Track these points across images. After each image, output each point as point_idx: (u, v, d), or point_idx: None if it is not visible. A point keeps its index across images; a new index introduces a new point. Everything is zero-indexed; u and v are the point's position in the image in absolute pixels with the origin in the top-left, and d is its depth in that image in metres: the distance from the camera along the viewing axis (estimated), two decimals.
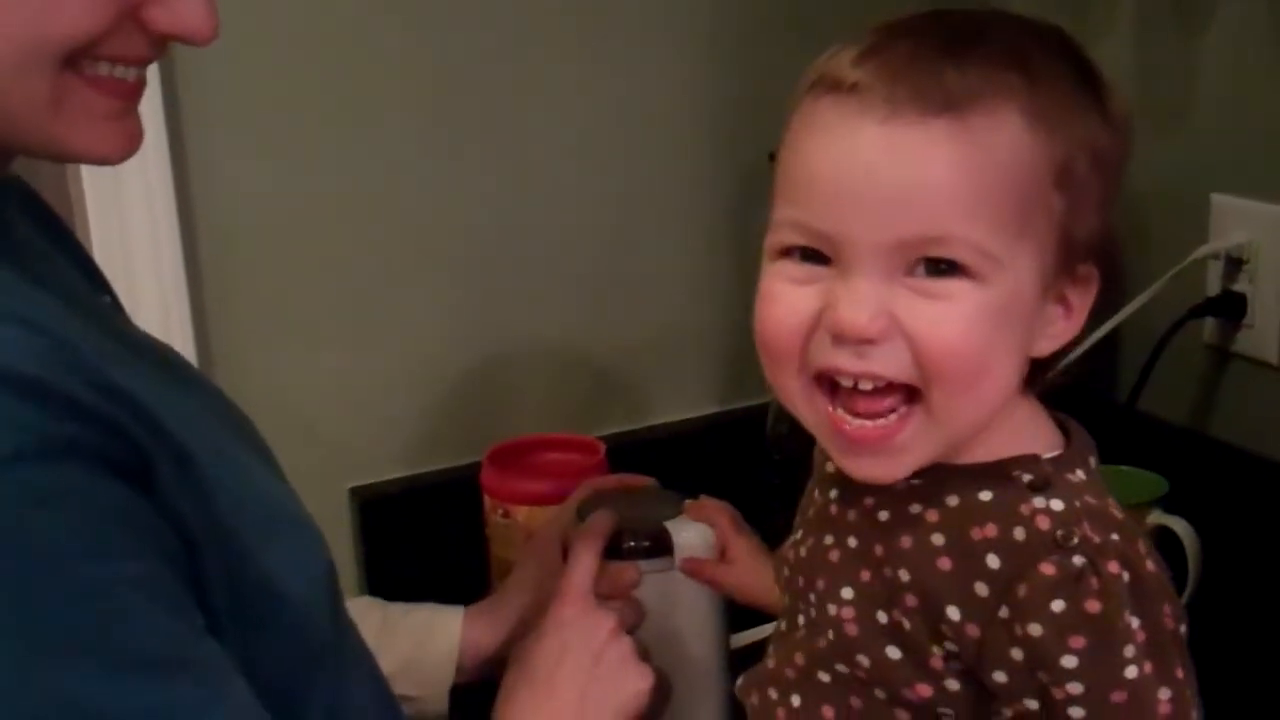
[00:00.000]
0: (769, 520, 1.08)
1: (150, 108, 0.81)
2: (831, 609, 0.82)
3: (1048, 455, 0.78)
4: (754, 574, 1.07)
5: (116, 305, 0.94)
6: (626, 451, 1.43)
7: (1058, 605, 0.72)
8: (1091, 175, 0.76)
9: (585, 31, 1.48)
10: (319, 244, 1.41)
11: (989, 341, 0.75)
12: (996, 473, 0.77)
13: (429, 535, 1.44)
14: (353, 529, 1.46)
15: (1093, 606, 0.72)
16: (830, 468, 0.84)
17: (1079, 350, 1.37)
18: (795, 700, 0.84)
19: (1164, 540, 1.30)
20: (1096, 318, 1.37)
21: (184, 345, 1.33)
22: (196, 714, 0.69)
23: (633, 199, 1.54)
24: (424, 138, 1.43)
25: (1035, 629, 0.73)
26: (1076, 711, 0.74)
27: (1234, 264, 1.40)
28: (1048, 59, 0.76)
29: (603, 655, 1.01)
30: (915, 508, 0.79)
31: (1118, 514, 0.77)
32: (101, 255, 1.28)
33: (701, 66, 1.54)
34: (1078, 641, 0.72)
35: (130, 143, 0.78)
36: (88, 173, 1.29)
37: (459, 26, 1.41)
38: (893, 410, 0.76)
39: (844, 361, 0.75)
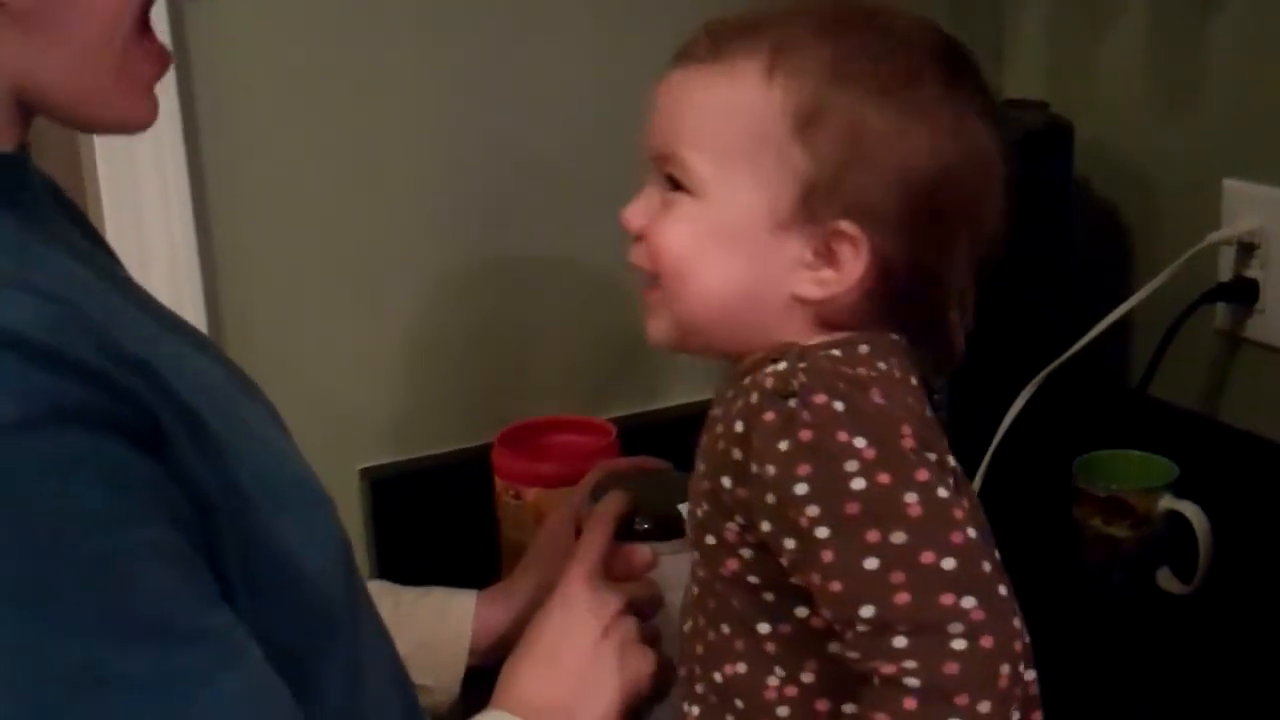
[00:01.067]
0: None
1: (163, 79, 0.85)
2: (690, 520, 0.92)
3: (810, 342, 0.87)
4: None
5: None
6: (638, 433, 1.43)
7: (783, 444, 0.81)
8: (858, 145, 0.84)
9: (598, 20, 1.48)
10: (334, 226, 1.41)
11: (695, 249, 0.88)
12: (760, 362, 0.87)
13: (440, 517, 1.45)
14: (363, 510, 1.47)
15: (805, 435, 0.81)
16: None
17: (1090, 335, 1.40)
18: (688, 623, 0.93)
19: (1175, 524, 1.32)
20: (1107, 302, 1.41)
21: (195, 324, 1.32)
22: (208, 680, 0.70)
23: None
24: (443, 115, 1.43)
25: (770, 469, 0.81)
26: (822, 532, 0.80)
27: (1246, 249, 1.41)
28: (851, 43, 0.86)
29: (606, 635, 1.01)
30: (716, 410, 0.89)
31: (851, 372, 0.84)
32: (114, 232, 1.28)
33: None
34: (803, 469, 0.80)
35: (156, 113, 0.81)
36: (101, 150, 1.29)
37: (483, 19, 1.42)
38: (651, 289, 0.91)
39: (631, 251, 0.92)
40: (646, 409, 1.58)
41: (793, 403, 0.82)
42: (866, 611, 0.80)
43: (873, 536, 0.80)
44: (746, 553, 0.87)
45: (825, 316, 0.88)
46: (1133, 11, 1.49)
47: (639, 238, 0.91)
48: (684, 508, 1.07)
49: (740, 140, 0.87)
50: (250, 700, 0.72)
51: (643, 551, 1.08)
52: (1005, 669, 0.79)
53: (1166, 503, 1.33)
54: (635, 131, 1.50)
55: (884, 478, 0.80)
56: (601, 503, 1.09)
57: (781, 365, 0.85)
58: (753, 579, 0.87)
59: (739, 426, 0.84)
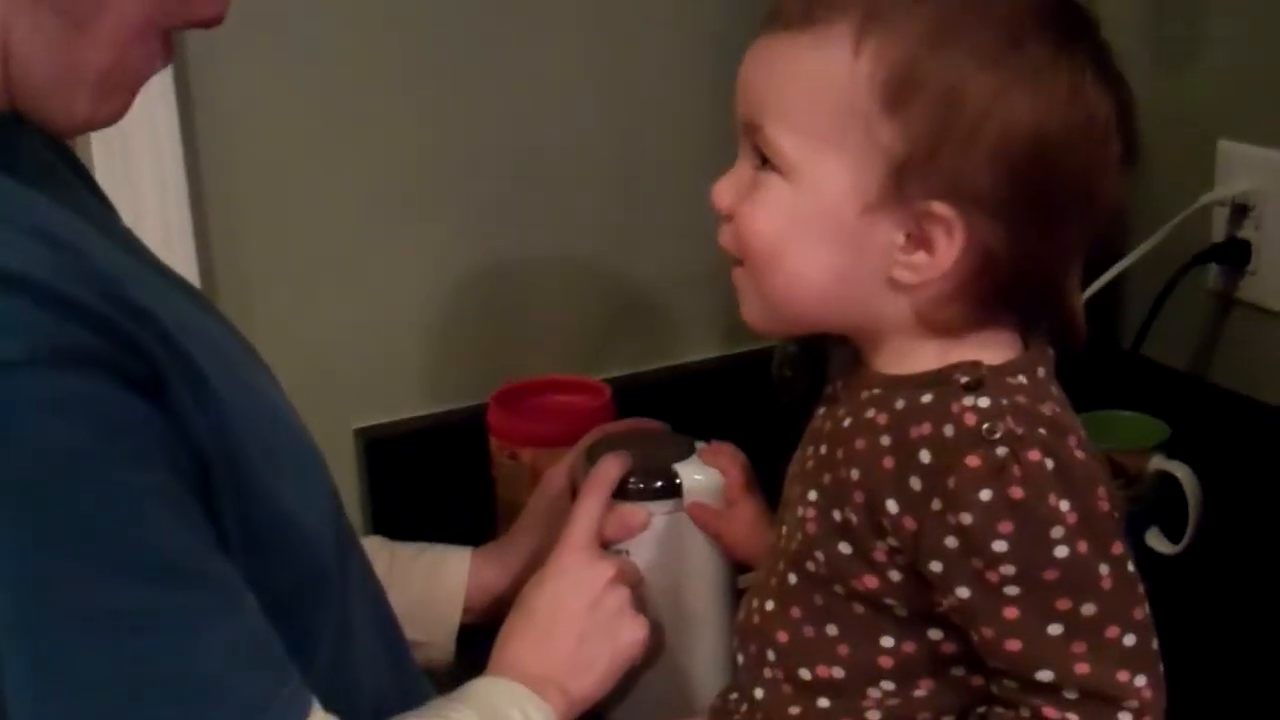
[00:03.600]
0: (774, 463, 1.09)
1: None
2: (800, 510, 0.89)
3: (991, 363, 0.83)
4: (754, 535, 1.08)
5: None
6: (632, 394, 1.43)
7: (985, 494, 0.78)
8: (952, 120, 0.79)
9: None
10: (326, 184, 1.41)
11: (783, 233, 0.84)
12: (940, 378, 0.83)
13: (435, 476, 1.45)
14: (359, 469, 1.47)
15: (1016, 493, 0.77)
16: (827, 389, 0.93)
17: (1084, 296, 1.40)
18: (769, 605, 0.91)
19: (1165, 485, 1.33)
20: (1100, 263, 1.41)
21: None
22: (205, 621, 0.71)
23: (642, 140, 1.54)
24: (433, 78, 1.43)
25: (966, 518, 0.78)
26: (1012, 590, 0.79)
27: (1240, 211, 1.41)
28: (947, 5, 0.80)
29: (600, 603, 1.02)
30: (870, 412, 0.85)
31: (1048, 412, 0.81)
32: (107, 190, 1.28)
33: (711, 33, 1.53)
34: (1006, 526, 0.78)
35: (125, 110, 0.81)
36: None
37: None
38: (739, 269, 0.88)
39: (720, 230, 0.89)
40: (641, 369, 1.58)
41: (1001, 452, 0.78)
42: (1044, 675, 0.80)
43: (1064, 604, 0.79)
44: (895, 575, 0.84)
45: (928, 303, 0.84)
46: None
47: (728, 217, 0.87)
48: (679, 467, 1.09)
49: (827, 116, 0.82)
50: (248, 645, 0.73)
51: (637, 512, 1.08)
52: None
53: (1157, 463, 1.33)
54: (640, 83, 1.52)
55: (1083, 546, 0.79)
56: (595, 469, 1.09)
57: (984, 401, 0.80)
58: (890, 600, 0.85)
59: (924, 456, 0.80)
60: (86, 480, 0.68)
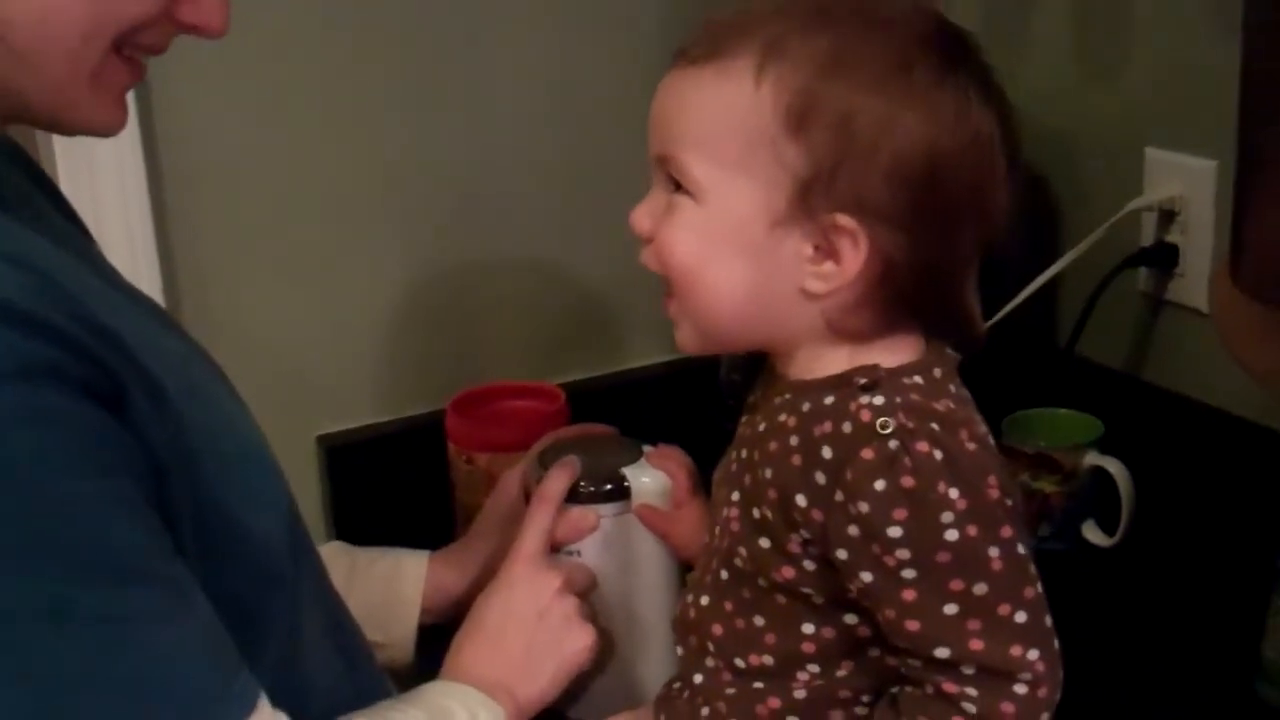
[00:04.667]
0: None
1: None
2: (725, 511, 0.94)
3: (889, 364, 0.88)
4: (700, 535, 1.09)
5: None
6: (585, 398, 1.46)
7: (879, 484, 0.82)
8: (850, 140, 0.84)
9: (551, 6, 1.51)
10: (286, 194, 1.43)
11: (699, 252, 0.89)
12: (841, 381, 0.88)
13: (395, 481, 1.48)
14: (320, 475, 1.50)
15: (907, 482, 0.82)
16: (750, 398, 0.98)
17: (1020, 298, 1.44)
18: (704, 600, 0.95)
19: (1100, 480, 1.37)
20: (1035, 266, 1.45)
21: (151, 292, 1.34)
22: (162, 621, 0.74)
23: (592, 152, 1.57)
24: (391, 86, 1.45)
25: (864, 506, 0.83)
26: (908, 573, 0.83)
27: (1167, 216, 1.44)
28: (838, 35, 0.85)
29: (547, 613, 1.05)
30: (781, 416, 0.90)
31: (940, 408, 0.85)
32: (70, 199, 1.31)
33: (660, 42, 1.54)
34: (900, 513, 0.82)
35: (125, 119, 0.85)
36: None
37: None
38: (667, 294, 0.92)
39: (642, 252, 0.93)
40: (593, 375, 1.61)
41: (894, 445, 0.83)
42: (941, 653, 0.84)
43: (957, 585, 0.83)
44: (809, 565, 0.88)
45: (836, 310, 0.88)
46: None
47: (648, 240, 0.91)
48: (628, 471, 1.12)
49: (734, 142, 0.86)
50: (200, 645, 0.76)
51: (587, 515, 1.11)
52: (1045, 716, 0.85)
53: (1091, 459, 1.37)
54: (590, 98, 1.54)
55: (973, 530, 0.83)
56: (544, 482, 1.11)
57: (878, 399, 0.85)
58: (806, 589, 0.89)
59: (826, 452, 0.85)
60: (51, 487, 0.71)
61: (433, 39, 1.46)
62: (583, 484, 1.12)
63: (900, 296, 0.88)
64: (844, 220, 0.85)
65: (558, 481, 1.11)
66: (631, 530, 1.12)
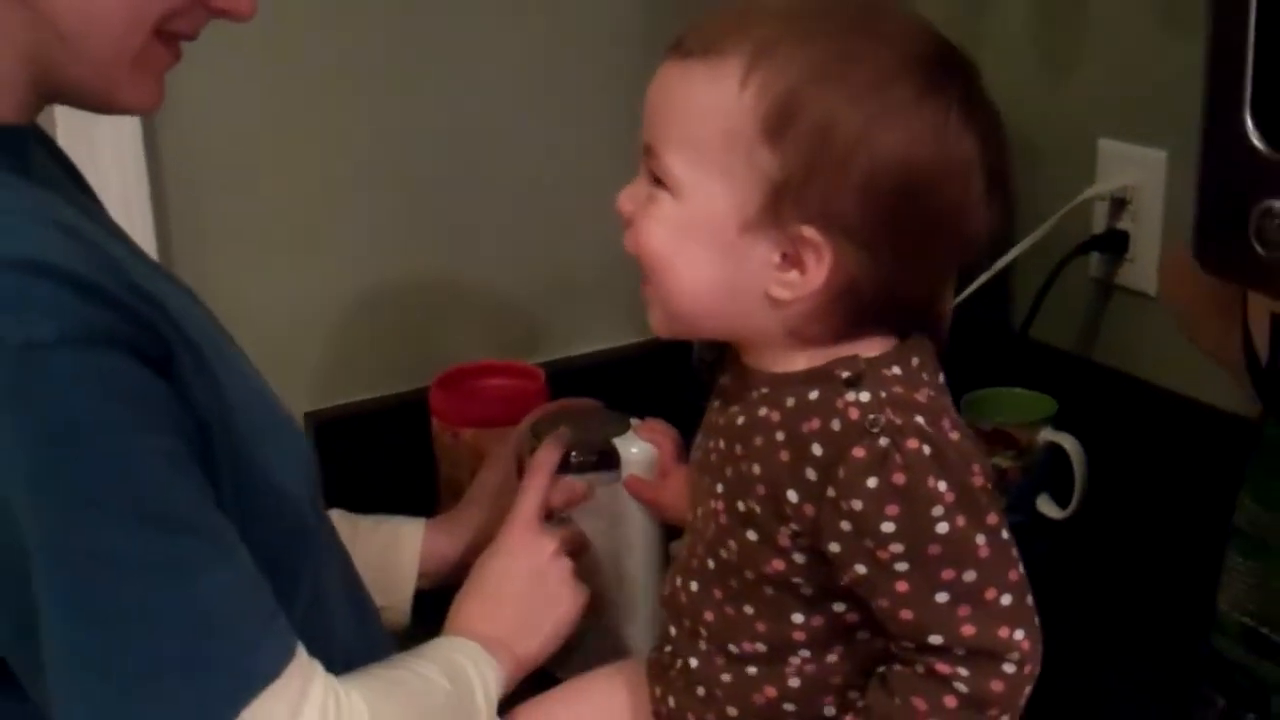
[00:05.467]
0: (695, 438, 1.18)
1: None
2: (710, 503, 0.95)
3: (868, 354, 0.89)
4: (681, 500, 1.13)
5: None
6: (561, 377, 1.50)
7: (872, 481, 0.83)
8: (825, 151, 0.84)
9: None
10: (276, 181, 1.46)
11: (671, 245, 0.89)
12: (823, 375, 0.88)
13: (381, 456, 1.51)
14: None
15: (899, 479, 0.83)
16: (721, 382, 0.99)
17: (977, 283, 1.50)
18: (694, 586, 0.97)
19: (1054, 455, 1.42)
20: (991, 252, 1.51)
21: None
22: (206, 567, 0.79)
23: (565, 139, 1.61)
24: (377, 81, 1.48)
25: (856, 504, 0.84)
26: (901, 566, 0.84)
27: (1118, 204, 1.49)
28: (830, 46, 0.85)
29: (544, 575, 1.10)
30: (763, 410, 0.90)
31: (922, 399, 0.87)
32: None
33: (631, 27, 1.59)
34: (892, 509, 0.83)
35: (162, 98, 0.89)
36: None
37: None
38: (644, 277, 0.93)
39: (625, 234, 0.93)
40: (568, 354, 1.65)
41: (884, 442, 0.83)
42: (934, 639, 0.85)
43: (948, 574, 0.84)
44: (799, 558, 0.89)
45: (798, 318, 0.89)
46: None
47: (628, 223, 0.92)
48: (617, 441, 1.17)
49: (713, 142, 0.86)
50: (242, 590, 0.81)
51: (579, 484, 1.17)
52: (1028, 689, 0.87)
53: (1046, 435, 1.42)
54: (563, 91, 1.58)
55: (961, 521, 0.84)
56: (538, 453, 1.16)
57: (865, 396, 0.85)
58: (796, 579, 0.90)
59: (817, 450, 0.85)
60: (109, 443, 0.75)
61: (417, 35, 1.49)
62: (574, 454, 1.17)
63: (861, 311, 0.88)
64: (809, 232, 0.85)
65: (552, 451, 1.16)
66: (621, 497, 1.18)
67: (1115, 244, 1.51)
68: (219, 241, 1.46)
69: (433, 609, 1.19)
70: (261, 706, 0.79)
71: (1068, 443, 1.41)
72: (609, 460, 1.18)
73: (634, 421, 1.22)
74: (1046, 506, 1.45)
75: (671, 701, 0.99)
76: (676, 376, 1.53)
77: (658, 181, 0.90)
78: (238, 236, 1.47)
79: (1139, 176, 1.48)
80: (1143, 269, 1.49)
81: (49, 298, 0.74)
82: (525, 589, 1.09)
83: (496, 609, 1.07)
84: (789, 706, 0.93)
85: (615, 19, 1.60)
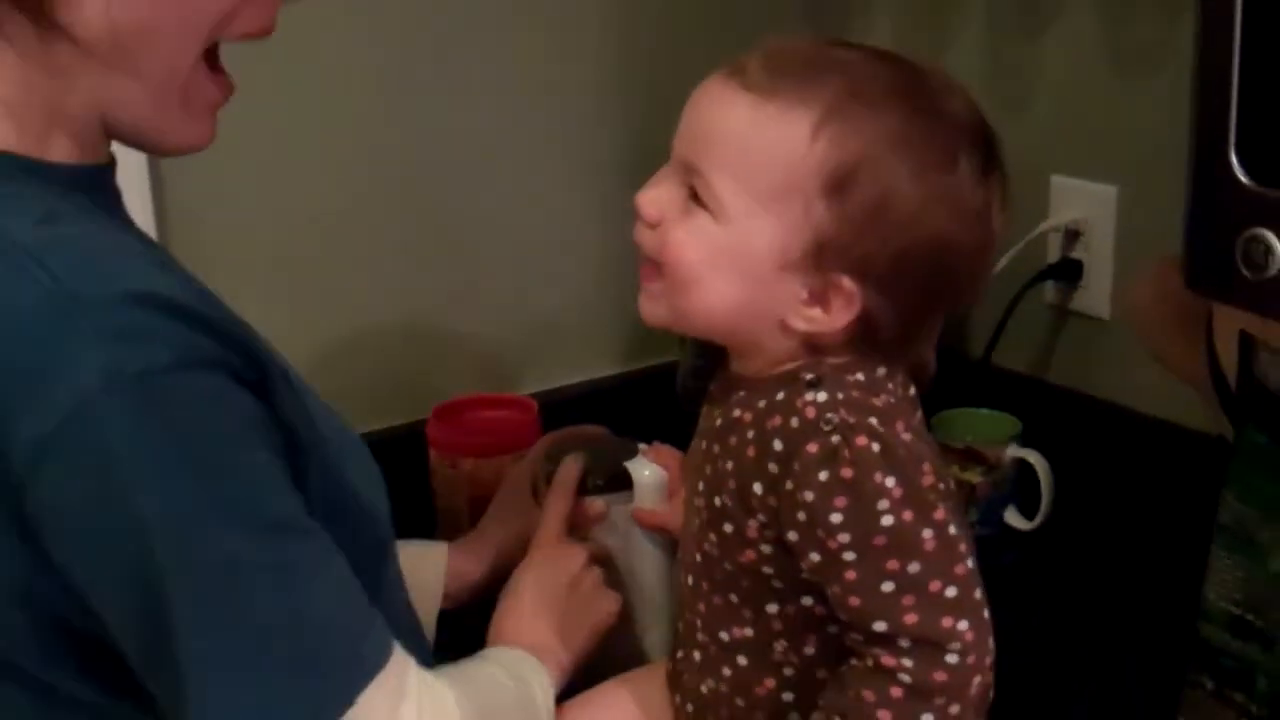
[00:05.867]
0: None
1: None
2: (695, 500, 1.00)
3: (831, 361, 0.94)
4: None
5: None
6: (547, 408, 1.54)
7: (822, 475, 0.88)
8: (880, 218, 0.89)
9: (511, 38, 1.61)
10: (278, 226, 1.50)
11: (702, 264, 0.92)
12: (789, 377, 0.94)
13: None
14: None
15: (846, 473, 0.88)
16: (710, 389, 1.04)
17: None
18: (690, 579, 1.02)
19: (1020, 470, 1.48)
20: None
21: None
22: (319, 571, 0.85)
23: (552, 185, 1.67)
24: (373, 131, 1.53)
25: (809, 495, 0.89)
26: (849, 555, 0.89)
27: (1071, 235, 1.58)
28: (901, 117, 0.90)
29: (578, 583, 1.15)
30: (738, 412, 0.96)
31: (879, 403, 0.92)
32: None
33: (617, 71, 1.66)
34: (840, 501, 0.88)
35: (214, 135, 0.94)
36: None
37: (402, 32, 1.53)
38: (651, 276, 0.96)
39: (636, 229, 0.97)
40: (553, 386, 1.71)
41: (835, 439, 0.88)
42: (879, 626, 0.89)
43: (892, 565, 0.89)
44: (766, 548, 0.94)
45: (810, 343, 0.94)
46: (972, 32, 1.66)
47: (652, 225, 0.95)
48: (630, 465, 1.23)
49: (772, 182, 0.90)
50: (348, 591, 0.87)
51: (596, 505, 1.22)
52: (978, 680, 0.90)
53: (1013, 451, 1.48)
54: (548, 141, 1.64)
55: (908, 515, 0.88)
56: (560, 470, 1.22)
57: (822, 396, 0.91)
58: (767, 570, 0.95)
59: (777, 445, 0.91)
60: (226, 458, 0.80)
61: (410, 83, 1.55)
62: (590, 478, 1.23)
63: (870, 343, 0.94)
64: (847, 283, 0.91)
65: (572, 470, 1.21)
66: (632, 517, 1.23)
67: (1069, 272, 1.59)
68: (219, 279, 1.42)
69: (452, 627, 1.25)
70: (368, 697, 0.84)
71: (1034, 459, 1.47)
72: (621, 482, 1.23)
73: (641, 446, 1.27)
74: (1014, 519, 1.50)
75: (690, 708, 1.04)
76: (655, 404, 1.60)
77: (697, 198, 0.93)
78: (240, 276, 1.46)
79: (1090, 210, 1.56)
80: (1095, 295, 1.58)
81: (161, 328, 0.79)
82: (562, 598, 1.13)
83: (536, 619, 1.11)
84: (788, 696, 0.98)
85: (598, 69, 1.67)
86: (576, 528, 1.22)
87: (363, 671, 0.85)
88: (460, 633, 1.20)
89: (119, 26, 0.86)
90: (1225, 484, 1.12)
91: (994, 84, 1.64)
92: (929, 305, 0.95)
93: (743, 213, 0.91)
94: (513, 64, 1.62)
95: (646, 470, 1.24)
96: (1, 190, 0.85)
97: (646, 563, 1.25)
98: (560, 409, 1.55)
